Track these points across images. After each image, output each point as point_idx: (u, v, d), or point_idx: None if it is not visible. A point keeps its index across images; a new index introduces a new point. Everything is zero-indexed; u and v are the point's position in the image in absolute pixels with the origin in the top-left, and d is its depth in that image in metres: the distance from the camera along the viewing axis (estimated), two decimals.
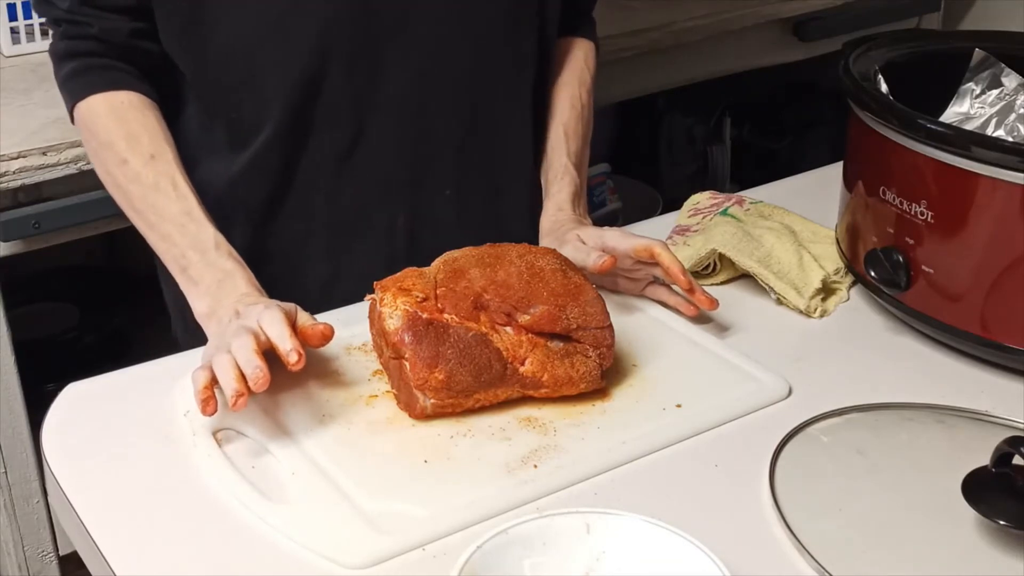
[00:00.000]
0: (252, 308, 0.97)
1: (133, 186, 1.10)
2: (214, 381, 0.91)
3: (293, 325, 0.96)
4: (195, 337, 1.09)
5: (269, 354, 0.93)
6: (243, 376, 0.90)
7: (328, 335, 0.97)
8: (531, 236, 1.25)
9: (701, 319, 1.10)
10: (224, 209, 1.12)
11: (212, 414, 0.90)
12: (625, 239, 1.10)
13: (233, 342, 0.92)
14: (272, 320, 0.94)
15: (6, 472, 1.59)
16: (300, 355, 0.91)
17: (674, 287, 1.11)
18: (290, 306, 0.99)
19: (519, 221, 1.26)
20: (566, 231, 1.15)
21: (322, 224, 1.18)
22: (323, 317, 1.02)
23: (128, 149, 1.10)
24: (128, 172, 1.10)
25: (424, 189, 1.19)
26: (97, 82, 1.12)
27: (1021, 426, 0.94)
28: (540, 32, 1.22)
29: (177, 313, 1.29)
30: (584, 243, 1.11)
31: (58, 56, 1.16)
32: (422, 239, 1.20)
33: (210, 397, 0.90)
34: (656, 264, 1.08)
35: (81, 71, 1.13)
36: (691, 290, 1.07)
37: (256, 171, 1.16)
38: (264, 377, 0.89)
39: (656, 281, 1.12)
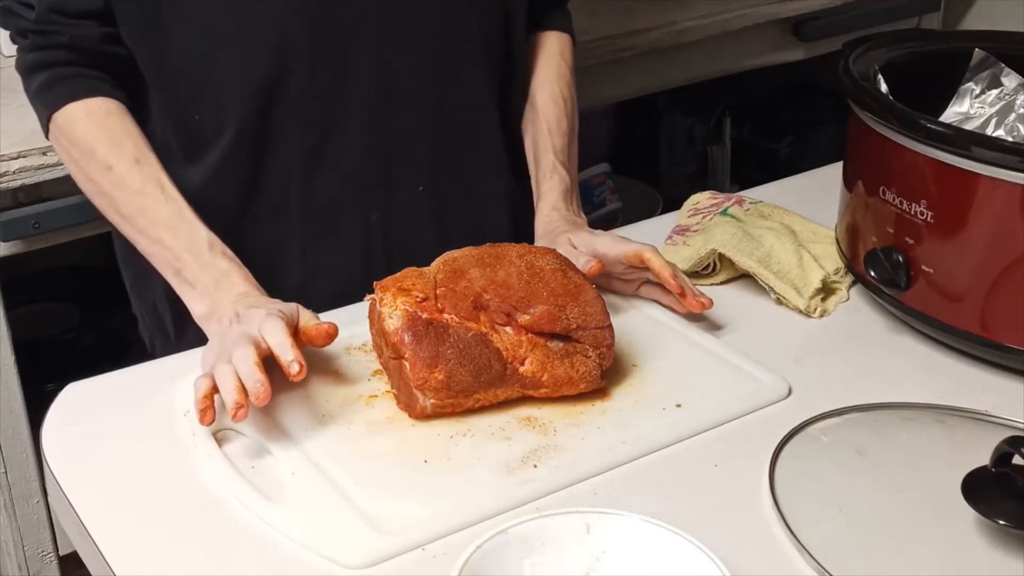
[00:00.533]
0: (253, 313, 0.97)
1: (119, 192, 1.09)
2: (215, 389, 0.91)
3: (295, 329, 0.96)
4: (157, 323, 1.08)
5: (269, 360, 0.93)
6: (244, 387, 0.90)
7: (332, 334, 0.97)
8: (509, 232, 1.25)
9: (701, 319, 1.10)
10: (196, 214, 1.11)
11: (210, 423, 0.91)
12: (616, 244, 1.09)
13: (234, 352, 0.92)
14: (273, 329, 0.93)
15: (6, 472, 1.59)
16: (301, 366, 0.91)
17: (670, 299, 1.11)
18: (292, 307, 0.99)
19: (496, 216, 1.26)
20: (558, 234, 1.15)
21: (296, 225, 1.17)
22: (324, 317, 1.02)
23: (112, 154, 1.08)
24: (114, 178, 1.08)
25: (396, 186, 1.18)
26: (72, 90, 1.11)
27: (1021, 426, 0.94)
28: (505, 23, 1.21)
29: (155, 327, 1.27)
30: (575, 247, 1.11)
31: (27, 69, 1.14)
32: (398, 237, 1.20)
33: (209, 407, 0.90)
34: (647, 269, 1.08)
35: (53, 81, 1.12)
36: (682, 294, 1.07)
37: (225, 174, 1.15)
38: (265, 391, 0.89)
39: (649, 281, 1.12)
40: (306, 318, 0.98)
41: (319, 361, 1.01)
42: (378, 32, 1.12)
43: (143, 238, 1.09)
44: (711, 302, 1.07)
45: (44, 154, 1.44)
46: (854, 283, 1.17)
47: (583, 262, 1.06)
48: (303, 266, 1.19)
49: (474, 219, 1.23)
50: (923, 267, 1.03)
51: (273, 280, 1.10)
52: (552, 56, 1.30)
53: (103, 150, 1.09)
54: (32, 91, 1.14)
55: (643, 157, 2.69)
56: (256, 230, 1.17)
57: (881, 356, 1.07)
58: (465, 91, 1.20)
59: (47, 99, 1.12)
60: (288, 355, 0.91)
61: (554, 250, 1.02)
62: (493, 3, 1.19)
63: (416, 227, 1.20)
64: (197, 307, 1.05)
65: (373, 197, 1.18)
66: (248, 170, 1.15)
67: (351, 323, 1.06)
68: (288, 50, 1.10)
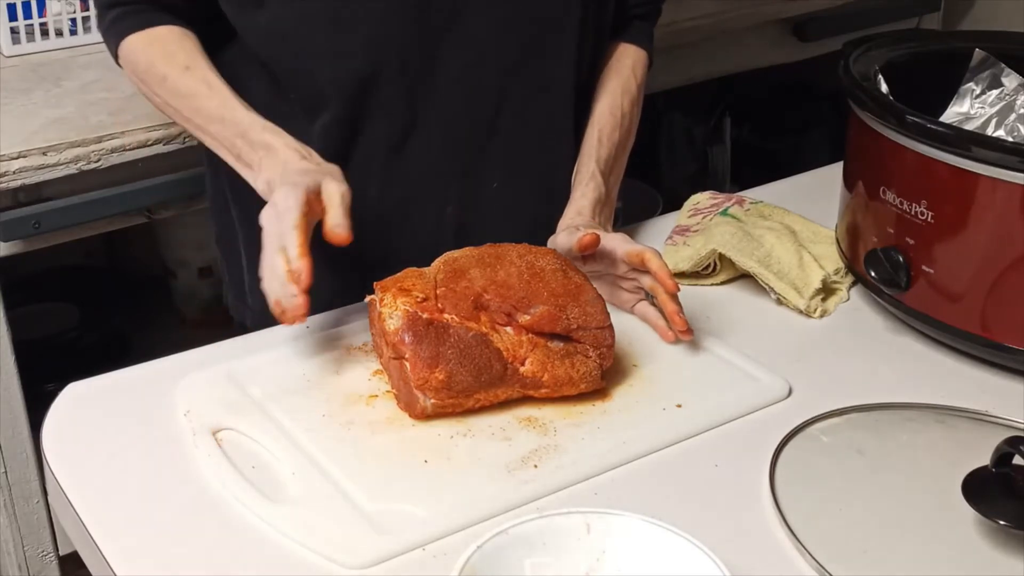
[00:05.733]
0: (281, 213, 0.99)
1: (177, 99, 1.14)
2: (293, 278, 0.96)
3: (316, 204, 1.00)
4: (243, 303, 1.17)
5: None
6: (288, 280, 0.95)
7: (339, 243, 0.99)
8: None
9: (700, 319, 1.10)
10: (239, 99, 1.14)
11: (302, 316, 0.95)
12: (621, 242, 1.09)
13: (264, 263, 0.97)
14: (292, 243, 0.96)
15: (6, 472, 1.59)
16: (302, 294, 0.94)
17: (659, 323, 1.08)
18: (320, 177, 1.02)
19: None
20: (571, 231, 1.15)
21: (373, 211, 1.19)
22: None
23: (165, 65, 1.13)
24: (169, 86, 1.13)
25: (473, 181, 1.20)
26: (138, 23, 1.16)
27: (1021, 426, 0.94)
28: (596, 34, 1.23)
29: (232, 279, 1.32)
30: (579, 230, 1.11)
31: (103, 4, 1.19)
32: (470, 231, 1.20)
33: (303, 302, 0.95)
34: (647, 272, 1.07)
35: (122, 16, 1.17)
36: (675, 307, 1.04)
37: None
38: (300, 307, 0.94)
39: (646, 299, 1.11)
40: (329, 192, 1.01)
41: (320, 361, 1.01)
42: (469, 30, 1.14)
43: (205, 135, 1.14)
44: (692, 332, 1.06)
45: (44, 154, 1.44)
46: (854, 283, 1.17)
47: (580, 233, 1.07)
48: (377, 250, 1.20)
49: (545, 216, 1.23)
50: (923, 267, 1.03)
51: (347, 258, 1.11)
52: (623, 69, 1.29)
53: (158, 64, 1.14)
54: (104, 27, 1.19)
55: (643, 157, 2.68)
56: None
57: (881, 356, 1.07)
58: (547, 94, 1.21)
59: (116, 30, 1.17)
60: (291, 291, 0.94)
61: (554, 251, 1.02)
62: (579, 7, 1.20)
63: (489, 221, 1.21)
64: (258, 186, 1.08)
65: (449, 191, 1.20)
66: (333, 155, 1.16)
67: (351, 323, 1.06)
68: (382, 46, 1.12)
